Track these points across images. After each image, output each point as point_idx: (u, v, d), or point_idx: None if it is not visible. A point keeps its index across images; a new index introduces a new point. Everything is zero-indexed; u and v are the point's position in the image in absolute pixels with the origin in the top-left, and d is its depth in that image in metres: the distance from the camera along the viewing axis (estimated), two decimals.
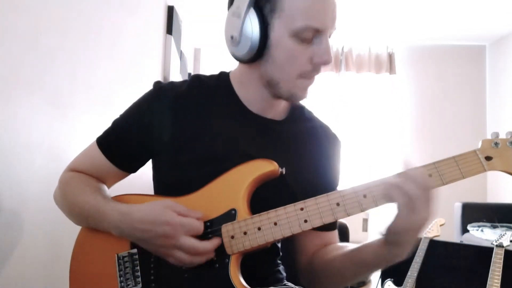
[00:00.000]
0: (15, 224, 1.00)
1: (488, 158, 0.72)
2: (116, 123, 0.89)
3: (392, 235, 0.69)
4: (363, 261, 0.77)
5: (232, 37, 0.79)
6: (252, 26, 0.75)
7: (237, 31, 0.77)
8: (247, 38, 0.76)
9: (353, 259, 0.78)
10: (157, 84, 0.88)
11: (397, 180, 0.68)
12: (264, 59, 0.79)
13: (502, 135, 0.74)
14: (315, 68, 0.79)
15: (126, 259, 0.79)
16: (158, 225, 0.71)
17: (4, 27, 0.92)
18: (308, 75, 0.79)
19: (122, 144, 0.87)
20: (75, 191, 0.85)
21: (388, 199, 0.70)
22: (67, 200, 0.87)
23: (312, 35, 0.75)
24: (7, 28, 0.93)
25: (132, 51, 1.89)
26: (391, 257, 0.71)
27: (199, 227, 0.72)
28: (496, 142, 0.73)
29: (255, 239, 0.73)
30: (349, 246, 0.82)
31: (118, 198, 0.84)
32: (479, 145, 0.74)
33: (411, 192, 0.65)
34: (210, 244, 0.72)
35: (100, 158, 0.87)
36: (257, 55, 0.77)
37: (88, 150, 0.91)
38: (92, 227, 0.82)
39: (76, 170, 0.91)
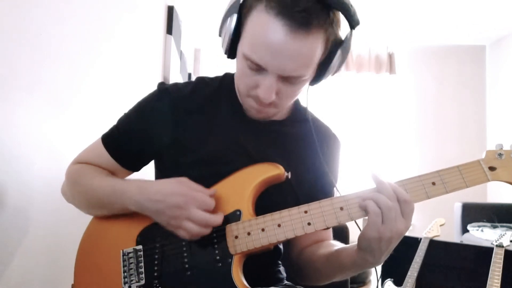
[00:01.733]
0: (16, 224, 1.00)
1: (492, 169, 0.74)
2: (120, 122, 0.90)
3: (363, 241, 0.71)
4: (339, 263, 0.79)
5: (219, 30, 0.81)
6: (226, 30, 0.76)
7: (219, 28, 0.80)
8: (222, 37, 0.79)
9: (332, 260, 0.81)
10: (161, 86, 0.89)
11: (374, 192, 0.71)
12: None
13: (504, 138, 0.76)
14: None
15: (131, 255, 0.80)
16: (172, 195, 0.73)
17: (4, 27, 0.92)
18: (255, 99, 0.78)
19: (125, 143, 0.88)
20: (88, 176, 0.86)
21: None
22: (80, 186, 0.87)
23: (255, 67, 0.73)
24: (6, 28, 0.93)
25: (132, 51, 1.89)
26: (363, 263, 0.74)
27: (211, 202, 0.74)
28: (500, 153, 0.75)
29: (259, 240, 0.74)
30: (335, 246, 0.85)
31: None
32: (483, 155, 0.76)
33: (382, 203, 0.68)
34: (219, 217, 0.74)
35: (104, 155, 0.88)
36: (228, 55, 0.80)
37: (93, 146, 0.92)
38: (106, 210, 0.83)
39: (80, 161, 0.92)
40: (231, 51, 0.78)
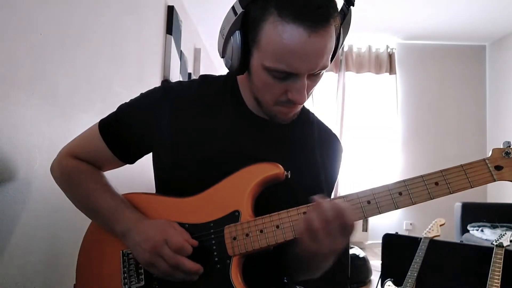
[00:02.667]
0: (16, 224, 1.00)
1: (498, 168, 0.69)
2: (120, 111, 0.90)
3: (303, 251, 0.72)
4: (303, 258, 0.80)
5: (218, 51, 0.81)
6: (233, 48, 0.75)
7: (220, 48, 0.79)
8: (228, 57, 0.77)
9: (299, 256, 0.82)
10: (164, 83, 0.89)
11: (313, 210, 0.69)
12: (249, 76, 0.79)
13: (504, 139, 0.72)
14: (291, 101, 0.77)
15: (131, 255, 0.79)
16: (152, 231, 0.74)
17: (4, 27, 0.92)
18: (286, 104, 0.78)
19: (121, 132, 0.88)
20: (89, 189, 0.85)
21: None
22: (77, 195, 0.87)
23: (283, 75, 0.73)
24: (7, 28, 0.93)
25: (132, 51, 1.89)
26: (316, 262, 0.77)
27: (187, 248, 0.73)
28: (508, 152, 0.70)
29: (257, 241, 0.74)
30: None
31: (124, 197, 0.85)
32: (489, 154, 0.71)
33: (312, 222, 0.67)
34: (194, 265, 0.73)
35: (99, 141, 0.88)
36: (238, 73, 0.79)
37: (89, 132, 0.91)
38: (98, 220, 0.84)
39: (74, 154, 0.91)
40: (242, 68, 0.77)
